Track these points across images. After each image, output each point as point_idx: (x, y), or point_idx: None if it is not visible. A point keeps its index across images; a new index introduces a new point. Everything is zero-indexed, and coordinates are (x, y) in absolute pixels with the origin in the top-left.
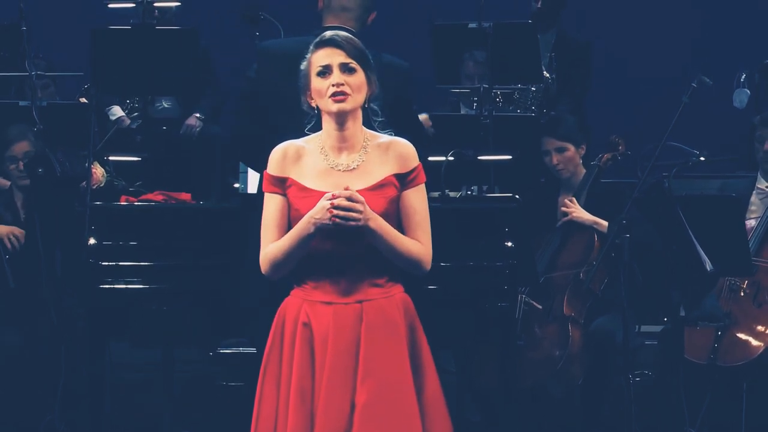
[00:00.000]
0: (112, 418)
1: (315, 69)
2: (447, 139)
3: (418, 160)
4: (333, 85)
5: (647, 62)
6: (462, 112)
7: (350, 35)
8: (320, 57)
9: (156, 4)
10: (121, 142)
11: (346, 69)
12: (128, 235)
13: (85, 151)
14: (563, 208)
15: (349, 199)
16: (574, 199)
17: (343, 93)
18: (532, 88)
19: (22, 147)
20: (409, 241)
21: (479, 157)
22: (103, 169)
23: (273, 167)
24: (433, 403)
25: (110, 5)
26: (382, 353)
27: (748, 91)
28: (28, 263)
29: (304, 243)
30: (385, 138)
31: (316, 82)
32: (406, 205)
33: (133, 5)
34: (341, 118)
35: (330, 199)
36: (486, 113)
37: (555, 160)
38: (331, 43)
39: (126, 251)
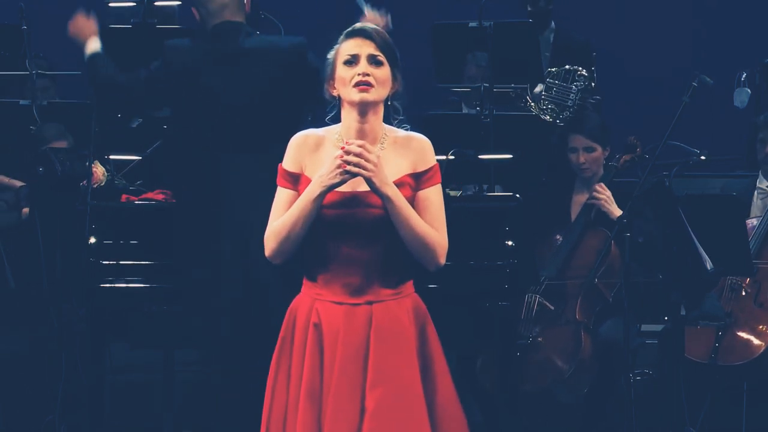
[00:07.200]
0: (112, 418)
1: (342, 57)
2: (447, 138)
3: (435, 159)
4: (358, 74)
5: (648, 62)
6: (464, 112)
7: (380, 29)
8: (349, 46)
9: (156, 3)
10: (122, 141)
11: (373, 61)
12: (129, 234)
13: (86, 150)
14: (594, 194)
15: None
16: (603, 185)
17: (367, 83)
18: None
19: (60, 146)
20: (425, 225)
21: (480, 157)
22: (103, 168)
23: (288, 160)
24: (447, 407)
25: (111, 4)
26: (392, 360)
27: (749, 91)
28: (28, 263)
29: (310, 209)
30: (402, 133)
31: (342, 71)
32: (421, 201)
33: (134, 4)
34: (363, 109)
35: (341, 155)
36: (486, 112)
37: (582, 159)
38: (362, 33)
39: (126, 250)
